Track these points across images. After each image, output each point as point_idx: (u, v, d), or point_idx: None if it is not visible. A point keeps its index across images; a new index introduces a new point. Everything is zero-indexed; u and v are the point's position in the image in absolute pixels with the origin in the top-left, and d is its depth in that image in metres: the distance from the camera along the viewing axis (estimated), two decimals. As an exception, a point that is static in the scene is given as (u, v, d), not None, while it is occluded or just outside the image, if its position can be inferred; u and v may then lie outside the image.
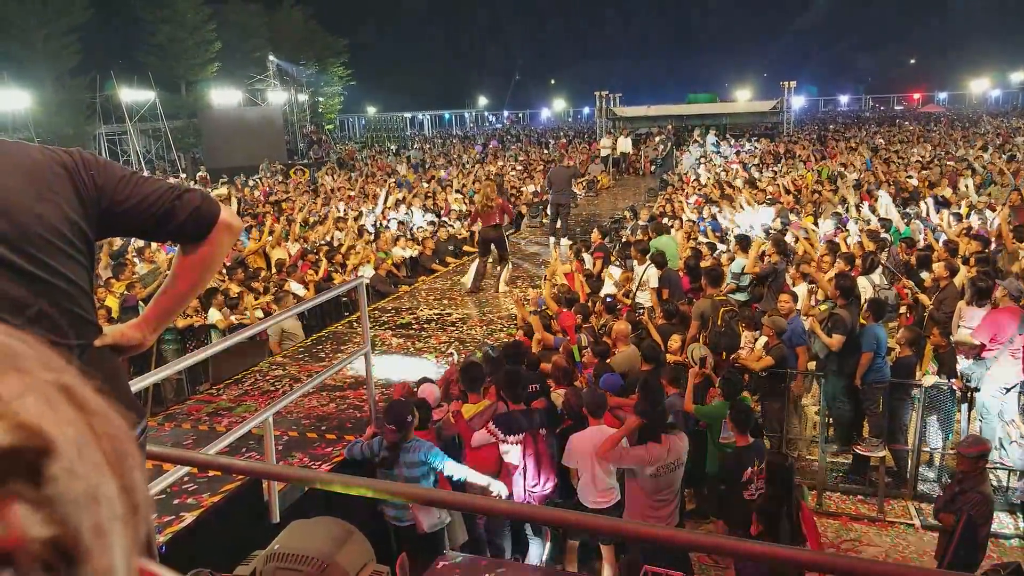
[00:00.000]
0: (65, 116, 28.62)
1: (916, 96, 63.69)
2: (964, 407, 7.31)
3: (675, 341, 7.30)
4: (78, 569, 0.39)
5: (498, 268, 10.67)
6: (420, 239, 13.03)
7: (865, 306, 7.49)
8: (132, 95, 30.50)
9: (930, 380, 7.09)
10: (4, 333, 0.44)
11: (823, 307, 7.88)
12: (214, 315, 8.81)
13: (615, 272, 9.89)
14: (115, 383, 1.82)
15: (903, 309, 8.69)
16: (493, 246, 10.52)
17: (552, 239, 12.89)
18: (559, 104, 75.14)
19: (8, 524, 0.37)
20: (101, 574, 0.40)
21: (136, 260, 11.34)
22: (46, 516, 0.38)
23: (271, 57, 40.20)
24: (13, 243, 1.49)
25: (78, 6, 29.27)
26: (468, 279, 10.61)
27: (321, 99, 49.09)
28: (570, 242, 12.62)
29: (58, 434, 0.40)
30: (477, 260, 10.69)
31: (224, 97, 34.84)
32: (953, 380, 7.13)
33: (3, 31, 26.61)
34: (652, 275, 9.05)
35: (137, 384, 3.46)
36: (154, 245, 12.30)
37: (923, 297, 8.61)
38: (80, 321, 1.63)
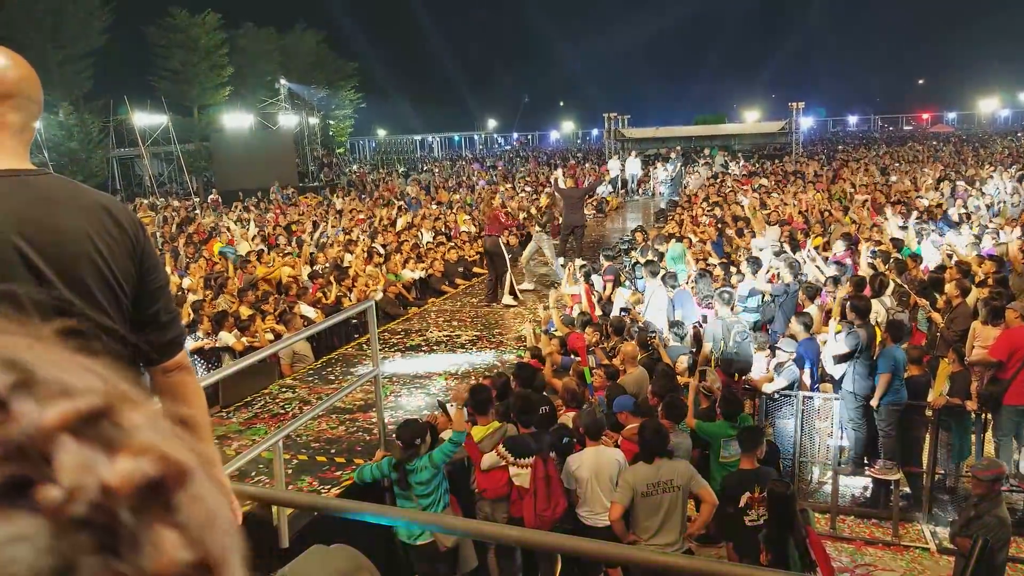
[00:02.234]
0: (79, 140, 28.94)
1: (925, 116, 63.68)
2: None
3: (681, 362, 7.28)
4: None
5: (493, 281, 10.82)
6: (430, 260, 13.06)
7: (883, 327, 7.44)
8: (145, 119, 30.85)
9: (943, 401, 7.04)
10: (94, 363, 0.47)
11: (837, 329, 7.84)
12: (227, 338, 8.83)
13: (625, 293, 9.88)
14: None
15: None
16: (491, 256, 10.70)
17: (562, 259, 12.85)
18: (568, 126, 75.50)
19: (161, 550, 0.40)
20: None
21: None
22: (187, 540, 0.41)
23: (282, 81, 40.61)
24: (63, 275, 1.63)
25: (93, 31, 29.69)
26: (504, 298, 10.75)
27: (332, 122, 49.48)
28: (583, 262, 12.54)
29: (189, 462, 0.43)
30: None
31: (236, 121, 35.18)
32: (967, 401, 7.06)
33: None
34: (662, 295, 9.03)
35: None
36: (166, 268, 12.37)
37: (936, 316, 8.55)
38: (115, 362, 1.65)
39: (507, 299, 10.56)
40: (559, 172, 11.90)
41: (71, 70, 29.25)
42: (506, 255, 10.83)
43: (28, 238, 1.61)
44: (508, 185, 25.45)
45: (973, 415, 7.20)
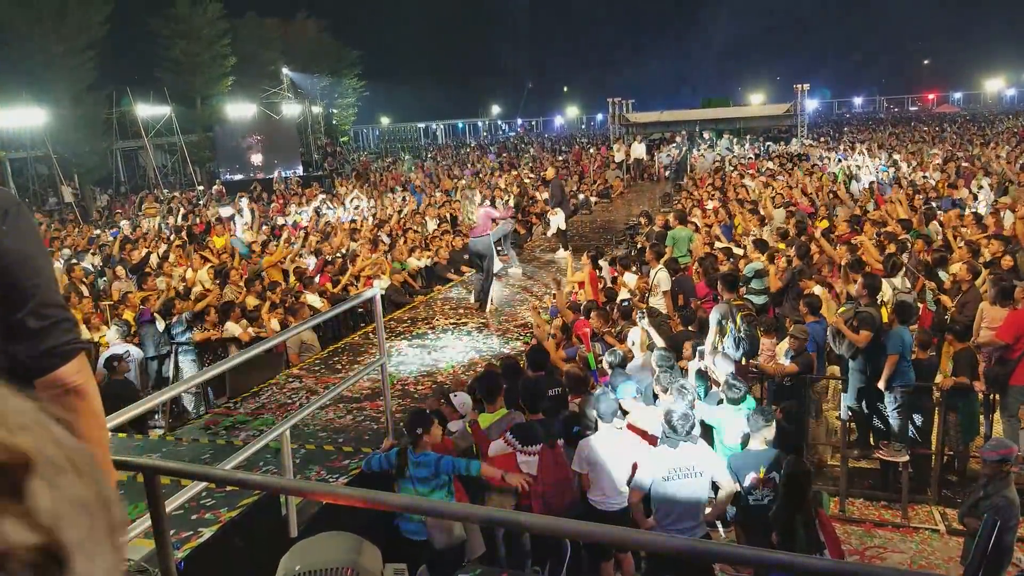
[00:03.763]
0: (82, 132, 28.90)
1: (931, 96, 63.25)
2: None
3: (687, 348, 7.25)
4: (65, 574, 0.44)
5: (486, 284, 10.06)
6: (435, 248, 13.05)
7: (892, 308, 7.40)
8: (148, 110, 30.81)
9: (951, 382, 7.01)
10: None
11: (844, 308, 7.80)
12: (233, 328, 8.85)
13: (630, 279, 9.85)
14: None
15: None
16: (480, 259, 10.03)
17: (562, 251, 12.88)
18: (572, 111, 75.18)
19: (1, 534, 0.42)
20: None
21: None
22: (31, 525, 0.43)
23: (285, 70, 40.48)
24: None
25: (95, 22, 29.57)
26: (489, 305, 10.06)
27: (335, 111, 49.36)
28: (569, 252, 12.61)
29: (36, 452, 0.45)
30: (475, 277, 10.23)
31: (239, 110, 35.12)
32: (975, 382, 7.04)
33: (21, 48, 26.95)
34: (663, 279, 9.01)
35: (157, 398, 3.48)
36: (172, 257, 12.41)
37: (944, 298, 8.51)
38: None
39: (489, 306, 9.93)
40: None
41: (74, 62, 29.15)
42: (495, 256, 10.40)
43: None
44: (514, 172, 25.42)
45: (981, 395, 7.17)
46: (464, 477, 5.21)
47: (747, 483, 5.37)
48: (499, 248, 11.55)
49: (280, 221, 17.34)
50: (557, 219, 13.43)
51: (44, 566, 0.43)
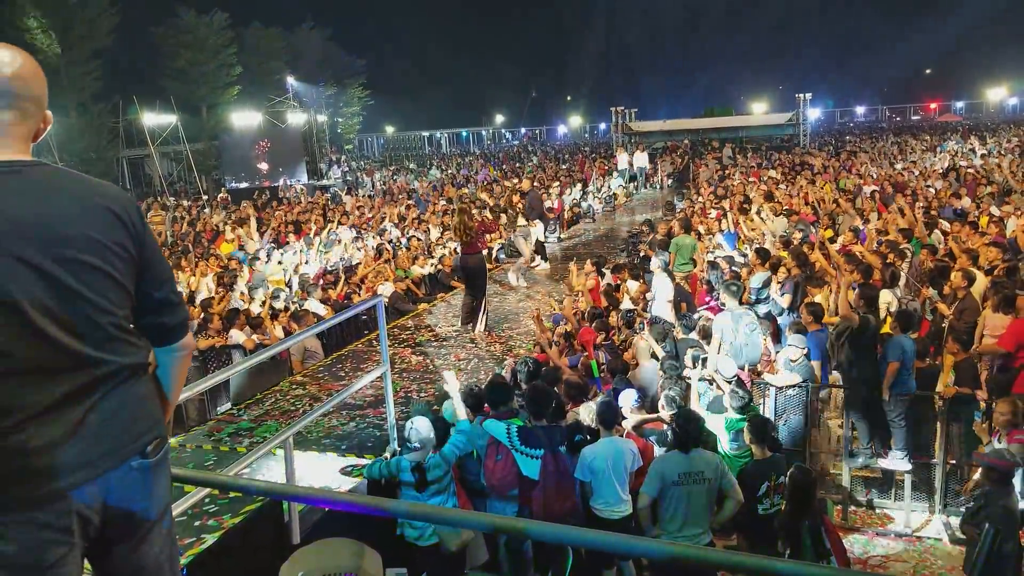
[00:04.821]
0: (88, 140, 29.08)
1: (933, 106, 63.24)
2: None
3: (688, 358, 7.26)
4: None
5: (476, 304, 9.36)
6: (439, 256, 13.10)
7: (894, 317, 7.41)
8: (154, 119, 30.99)
9: (953, 391, 7.01)
10: None
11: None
12: (237, 335, 8.90)
13: (632, 286, 9.87)
14: (139, 406, 1.89)
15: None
16: (472, 277, 9.34)
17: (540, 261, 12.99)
18: (575, 120, 75.35)
19: None
20: None
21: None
22: None
23: (290, 79, 40.73)
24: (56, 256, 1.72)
25: (101, 31, 29.78)
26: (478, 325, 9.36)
27: (340, 119, 49.60)
28: (547, 264, 12.85)
29: None
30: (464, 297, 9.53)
31: (244, 119, 35.32)
32: (977, 391, 7.03)
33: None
34: (663, 287, 9.01)
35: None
36: (196, 272, 12.47)
37: (942, 307, 8.51)
38: (113, 339, 1.83)
39: (480, 327, 9.26)
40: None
41: (80, 71, 29.37)
42: (487, 276, 9.73)
43: (29, 235, 1.69)
44: (515, 180, 25.47)
45: (983, 404, 7.16)
46: (466, 480, 5.26)
47: (760, 492, 5.38)
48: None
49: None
50: (536, 231, 13.53)
51: None
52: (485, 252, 9.89)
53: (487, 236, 10.10)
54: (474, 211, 9.81)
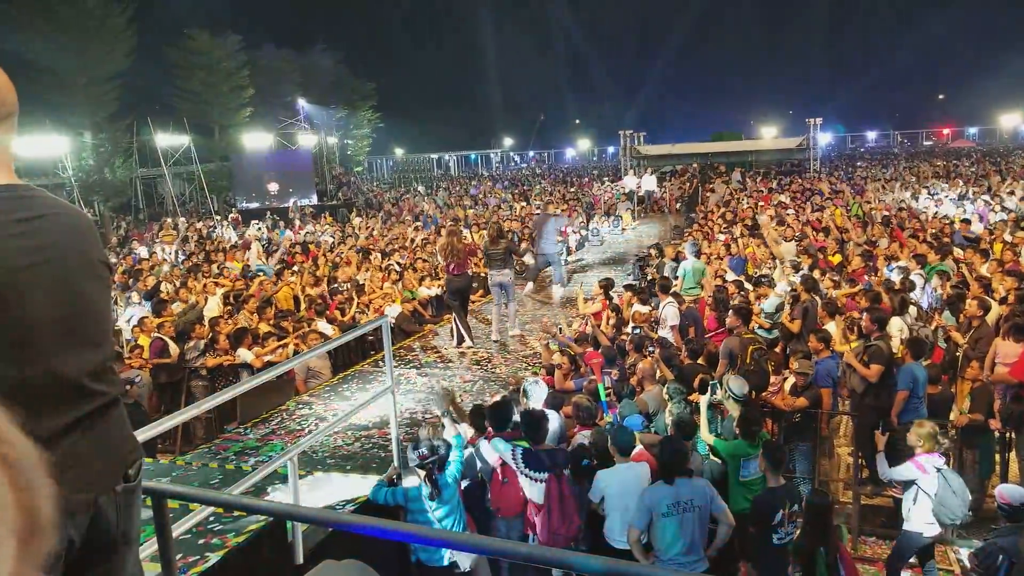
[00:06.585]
0: (103, 161, 29.34)
1: (945, 131, 63.15)
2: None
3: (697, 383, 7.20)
4: None
5: (461, 320, 9.78)
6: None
7: (905, 344, 7.34)
8: (167, 140, 31.28)
9: (966, 420, 6.93)
10: None
11: (855, 343, 7.76)
12: (245, 355, 8.91)
13: (642, 309, 9.83)
14: (122, 429, 1.89)
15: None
16: (455, 295, 9.75)
17: (557, 286, 12.94)
18: (584, 143, 75.64)
19: None
20: None
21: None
22: None
23: (301, 101, 41.09)
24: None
25: (119, 53, 30.14)
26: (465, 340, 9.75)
27: (350, 141, 49.96)
28: (563, 289, 12.77)
29: None
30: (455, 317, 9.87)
31: (256, 141, 35.60)
32: (990, 420, 6.95)
33: (45, 79, 27.47)
34: (670, 314, 8.97)
35: (168, 423, 3.49)
36: (188, 283, 12.52)
37: (956, 335, 8.44)
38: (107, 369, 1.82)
39: (468, 342, 9.67)
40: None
41: (97, 92, 29.69)
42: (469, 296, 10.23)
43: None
44: (523, 203, 25.55)
45: (996, 434, 7.07)
46: (472, 503, 5.22)
47: (776, 521, 5.29)
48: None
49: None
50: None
51: None
52: (471, 273, 10.27)
53: (474, 256, 10.42)
54: (463, 232, 10.10)
